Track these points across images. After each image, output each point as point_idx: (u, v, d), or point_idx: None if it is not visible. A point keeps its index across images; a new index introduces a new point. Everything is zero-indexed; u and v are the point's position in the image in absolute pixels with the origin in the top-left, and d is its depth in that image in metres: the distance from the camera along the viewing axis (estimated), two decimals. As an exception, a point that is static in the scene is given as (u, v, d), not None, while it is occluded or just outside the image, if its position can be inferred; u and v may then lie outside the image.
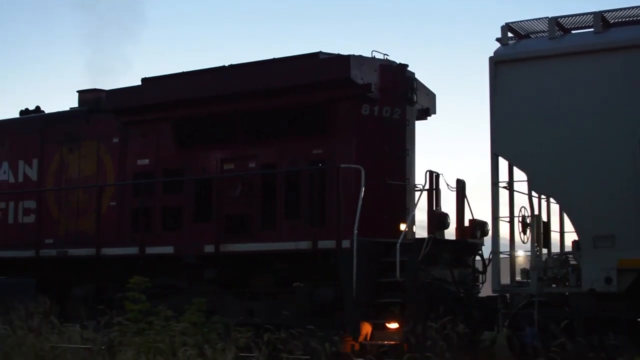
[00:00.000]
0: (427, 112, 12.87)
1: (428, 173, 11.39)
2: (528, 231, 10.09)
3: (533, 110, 9.89)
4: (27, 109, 15.50)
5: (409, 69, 12.15)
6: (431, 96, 13.02)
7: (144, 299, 9.57)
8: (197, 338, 8.60)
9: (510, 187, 10.27)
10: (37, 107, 15.45)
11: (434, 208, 11.38)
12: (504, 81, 10.13)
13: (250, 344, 8.75)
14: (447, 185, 11.61)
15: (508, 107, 10.06)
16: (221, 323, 9.45)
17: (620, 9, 10.01)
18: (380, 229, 11.26)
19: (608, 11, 10.03)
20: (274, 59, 12.03)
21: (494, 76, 10.20)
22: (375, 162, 11.53)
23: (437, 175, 11.61)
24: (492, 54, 10.33)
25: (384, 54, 12.05)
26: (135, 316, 9.26)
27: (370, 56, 11.87)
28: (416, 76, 12.31)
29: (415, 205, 11.34)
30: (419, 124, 12.59)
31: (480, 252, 11.84)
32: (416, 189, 11.88)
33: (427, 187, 11.25)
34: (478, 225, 11.74)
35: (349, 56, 11.41)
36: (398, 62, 12.15)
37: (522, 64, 10.10)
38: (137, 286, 9.66)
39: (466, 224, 11.67)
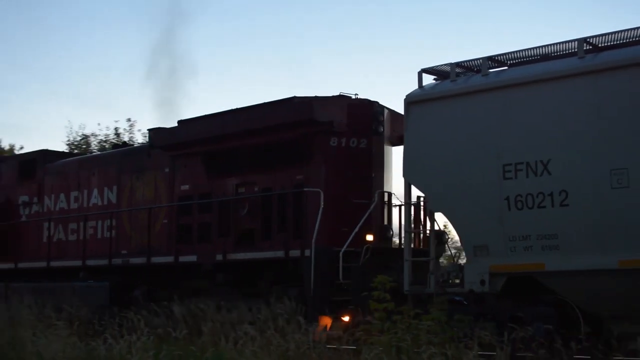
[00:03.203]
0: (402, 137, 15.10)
1: (378, 193, 13.74)
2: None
3: (431, 142, 12.02)
4: (116, 144, 19.27)
5: (382, 102, 14.59)
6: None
7: (389, 298, 9.80)
8: (442, 337, 8.82)
9: (418, 205, 12.45)
10: (124, 142, 19.18)
11: (384, 222, 13.72)
12: (413, 119, 12.32)
13: (493, 342, 8.96)
14: (400, 202, 13.86)
15: (415, 141, 12.25)
16: (464, 321, 9.82)
17: (508, 52, 11.92)
18: (346, 240, 13.70)
19: (497, 55, 11.98)
20: (262, 104, 14.88)
21: (406, 114, 12.44)
22: (342, 185, 14.04)
23: (390, 194, 13.91)
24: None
25: (355, 93, 14.55)
26: (380, 315, 9.47)
27: (340, 94, 14.40)
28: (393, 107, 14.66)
29: (362, 219, 13.58)
30: (396, 148, 14.93)
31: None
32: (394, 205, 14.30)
33: (373, 205, 13.60)
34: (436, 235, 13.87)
35: (311, 100, 14.03)
36: (372, 98, 14.61)
37: (425, 104, 12.24)
38: (382, 285, 9.93)
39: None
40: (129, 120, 34.39)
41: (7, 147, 41.47)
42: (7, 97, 58.53)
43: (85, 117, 70.85)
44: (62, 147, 35.95)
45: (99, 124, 47.62)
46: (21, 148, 41.07)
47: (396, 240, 14.66)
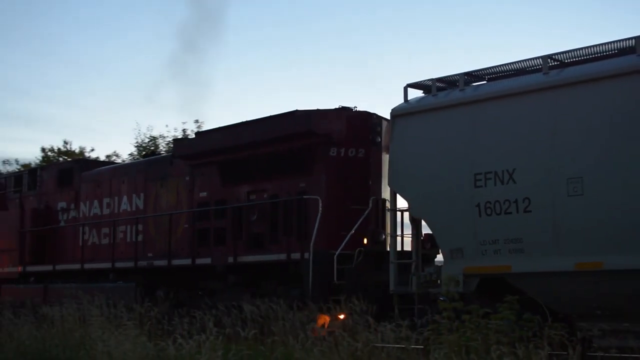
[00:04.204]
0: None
1: (372, 200, 14.68)
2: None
3: (413, 153, 12.93)
4: (146, 153, 20.55)
5: (379, 114, 15.53)
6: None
7: (458, 297, 9.74)
8: (512, 336, 8.66)
9: (403, 211, 13.38)
10: (153, 152, 20.45)
11: (376, 227, 14.66)
12: (398, 131, 13.24)
13: (565, 341, 8.78)
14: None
15: (399, 152, 13.17)
16: (534, 320, 9.52)
17: (483, 68, 12.76)
18: (346, 242, 14.67)
19: (474, 71, 12.82)
20: (269, 116, 15.93)
21: (392, 127, 13.37)
22: (341, 192, 15.02)
23: (384, 201, 14.84)
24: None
25: (354, 106, 15.53)
26: (449, 315, 9.30)
27: (340, 107, 15.39)
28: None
29: (357, 224, 14.52)
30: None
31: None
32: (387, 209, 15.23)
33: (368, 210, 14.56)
34: (430, 239, 14.77)
35: (311, 113, 15.04)
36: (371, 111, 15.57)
37: (408, 117, 13.15)
38: (449, 285, 10.03)
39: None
40: (196, 121, 34.83)
41: (77, 150, 42.04)
42: (76, 101, 60.94)
43: (153, 119, 72.89)
44: (131, 149, 37.25)
45: (166, 126, 47.10)
46: (91, 150, 42.15)
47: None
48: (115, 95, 60.22)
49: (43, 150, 41.88)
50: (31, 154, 70.48)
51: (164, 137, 35.52)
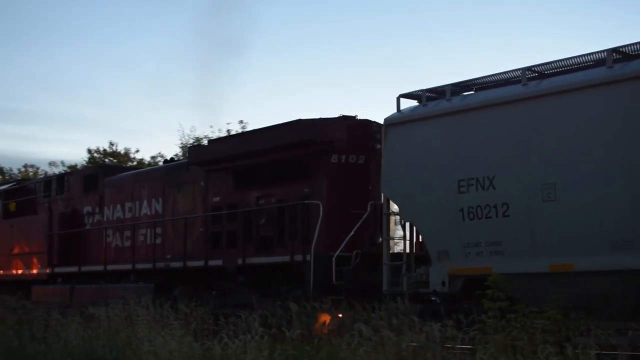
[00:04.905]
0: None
1: (370, 204, 15.40)
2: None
3: (404, 160, 13.65)
4: (166, 159, 21.50)
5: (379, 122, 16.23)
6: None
7: (503, 296, 9.60)
8: (559, 336, 8.64)
9: (395, 215, 14.09)
10: (172, 158, 21.39)
11: (374, 230, 15.37)
12: (390, 139, 13.97)
13: (612, 341, 8.84)
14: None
15: (391, 159, 13.89)
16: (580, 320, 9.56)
17: (470, 79, 13.43)
18: (346, 245, 15.42)
19: (461, 82, 13.50)
20: (275, 125, 16.75)
21: (385, 135, 14.09)
22: (342, 197, 15.77)
23: (382, 205, 15.52)
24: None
25: (355, 115, 16.28)
26: (495, 314, 9.25)
27: (341, 116, 16.15)
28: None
29: (355, 228, 15.24)
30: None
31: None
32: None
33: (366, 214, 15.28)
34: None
35: (314, 122, 15.83)
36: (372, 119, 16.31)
37: (400, 126, 13.87)
38: (496, 284, 9.75)
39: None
40: (241, 122, 35.72)
41: (122, 151, 42.80)
42: (121, 102, 62.44)
43: (196, 120, 74.12)
44: (176, 150, 38.14)
45: (211, 127, 48.15)
46: (136, 151, 42.96)
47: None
48: (156, 96, 61.60)
49: (89, 151, 42.59)
50: (77, 156, 72.27)
51: (209, 137, 35.68)
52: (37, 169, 45.95)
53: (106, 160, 41.24)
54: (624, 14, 52.75)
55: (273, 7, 58.38)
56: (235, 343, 9.87)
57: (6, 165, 47.00)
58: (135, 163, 38.62)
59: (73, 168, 40.18)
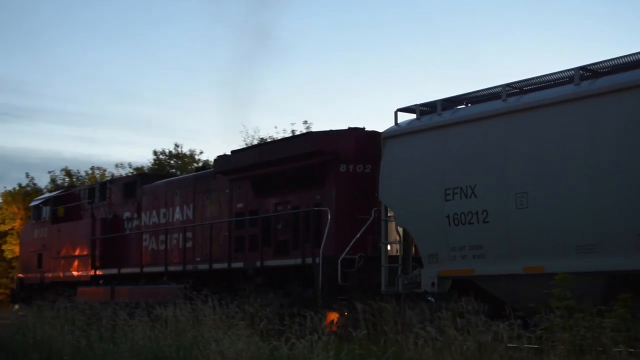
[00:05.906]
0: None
1: (374, 210, 16.50)
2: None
3: (399, 171, 14.75)
4: (198, 167, 22.89)
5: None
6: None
7: (569, 295, 9.26)
8: (627, 335, 8.38)
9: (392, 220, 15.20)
10: (203, 166, 22.77)
11: (378, 235, 16.46)
12: (388, 151, 15.08)
13: None
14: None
15: (388, 170, 15.00)
16: None
17: (460, 94, 14.46)
18: (352, 248, 16.57)
19: (451, 97, 14.54)
20: (289, 137, 18.18)
21: (383, 147, 15.21)
22: (349, 203, 16.93)
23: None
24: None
25: (362, 127, 17.41)
26: (562, 313, 8.98)
27: (349, 127, 17.31)
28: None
29: (360, 232, 16.37)
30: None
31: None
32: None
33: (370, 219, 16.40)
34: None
35: (323, 134, 17.02)
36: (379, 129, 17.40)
37: (396, 139, 14.98)
38: (562, 283, 9.38)
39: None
40: (305, 122, 35.79)
41: (187, 153, 43.26)
42: (186, 104, 64.25)
43: (260, 120, 75.65)
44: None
45: (275, 127, 46.64)
46: (201, 153, 43.62)
47: (389, 247, 17.28)
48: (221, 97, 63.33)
49: (155, 153, 43.13)
50: (144, 157, 74.06)
51: (273, 138, 35.35)
52: (104, 170, 46.23)
53: (171, 161, 42.09)
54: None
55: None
56: (302, 343, 9.97)
57: (74, 168, 48.00)
58: (201, 164, 38.47)
59: (139, 170, 41.09)
